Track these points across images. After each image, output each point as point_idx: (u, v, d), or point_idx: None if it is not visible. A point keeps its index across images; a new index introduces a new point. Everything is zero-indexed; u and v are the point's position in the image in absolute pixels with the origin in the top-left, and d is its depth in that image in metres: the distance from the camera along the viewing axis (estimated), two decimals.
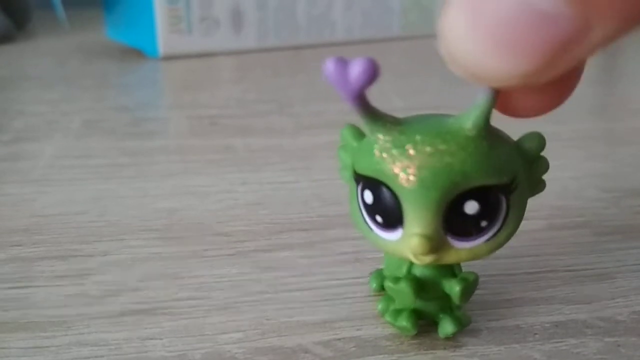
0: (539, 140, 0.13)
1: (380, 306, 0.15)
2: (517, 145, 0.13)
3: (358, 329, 0.15)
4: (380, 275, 0.16)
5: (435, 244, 0.12)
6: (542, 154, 0.13)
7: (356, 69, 0.11)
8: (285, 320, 0.15)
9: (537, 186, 0.13)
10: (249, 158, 0.25)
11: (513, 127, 0.13)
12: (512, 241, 0.18)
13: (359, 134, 0.14)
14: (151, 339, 0.14)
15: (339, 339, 0.14)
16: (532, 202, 0.20)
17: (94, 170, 0.24)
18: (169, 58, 0.41)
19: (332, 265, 0.17)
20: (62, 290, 0.16)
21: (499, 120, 0.13)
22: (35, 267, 0.17)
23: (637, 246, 0.18)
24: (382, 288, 0.16)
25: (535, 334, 0.14)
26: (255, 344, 0.14)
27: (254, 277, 0.17)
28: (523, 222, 0.19)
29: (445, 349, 0.14)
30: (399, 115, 0.13)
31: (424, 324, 0.14)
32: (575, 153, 0.25)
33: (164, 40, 0.41)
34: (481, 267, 0.17)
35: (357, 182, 0.13)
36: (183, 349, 0.14)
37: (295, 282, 0.16)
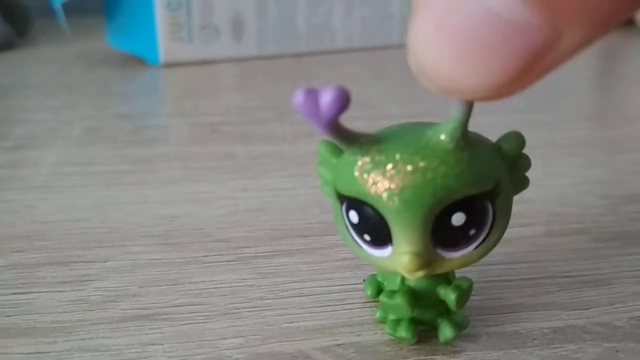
0: (518, 140, 0.13)
1: (378, 314, 0.15)
2: (497, 148, 0.13)
3: (358, 335, 0.15)
4: (374, 281, 0.16)
5: (426, 260, 0.12)
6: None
7: (327, 99, 0.11)
8: (286, 326, 0.15)
9: (521, 184, 0.13)
10: (249, 165, 0.25)
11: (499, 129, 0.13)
12: (511, 248, 0.19)
13: (337, 150, 0.13)
14: (152, 344, 0.14)
15: (339, 345, 0.14)
16: (531, 209, 0.20)
17: (95, 177, 0.24)
18: (170, 66, 0.42)
19: (332, 271, 0.17)
20: (64, 296, 0.16)
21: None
22: (37, 273, 0.17)
23: (635, 252, 0.18)
24: (377, 294, 0.16)
25: (534, 339, 0.15)
26: (256, 349, 0.14)
27: (254, 283, 0.17)
28: (521, 229, 0.20)
29: (444, 354, 0.14)
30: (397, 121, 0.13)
31: (423, 329, 0.14)
32: (573, 160, 0.25)
33: (165, 48, 0.41)
34: (479, 274, 0.17)
35: (341, 202, 0.13)
36: (184, 355, 0.14)
37: (295, 288, 0.16)
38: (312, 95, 0.11)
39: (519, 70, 0.09)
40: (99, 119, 0.31)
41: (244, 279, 0.17)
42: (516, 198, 0.21)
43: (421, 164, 0.12)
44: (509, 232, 0.19)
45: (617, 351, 0.14)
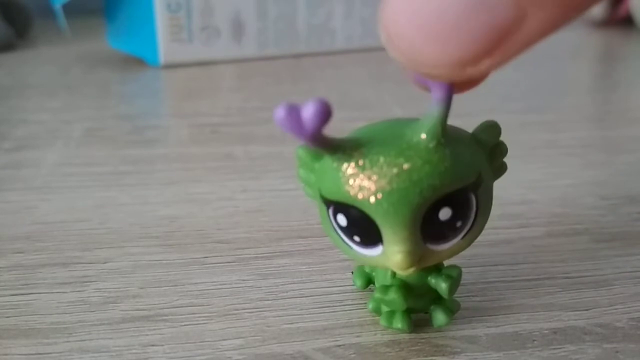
0: (494, 129, 0.13)
1: (371, 306, 0.15)
2: (475, 138, 0.13)
3: (357, 336, 0.15)
4: (363, 272, 0.16)
5: (417, 256, 0.13)
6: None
7: (309, 113, 0.11)
8: (286, 327, 0.15)
9: (499, 170, 0.14)
10: (249, 165, 0.25)
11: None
12: (511, 249, 0.19)
13: (316, 154, 0.13)
14: (152, 345, 0.14)
15: (339, 346, 0.14)
16: (531, 210, 0.20)
17: (95, 178, 0.24)
18: (170, 66, 0.42)
19: (332, 272, 0.17)
20: (64, 297, 0.16)
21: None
22: (37, 274, 0.17)
23: (635, 253, 0.18)
24: (367, 285, 0.16)
25: (534, 340, 0.15)
26: (256, 350, 0.14)
27: (254, 284, 0.17)
28: (522, 230, 0.20)
29: (444, 355, 0.14)
30: None
31: (422, 331, 0.14)
32: (574, 161, 0.25)
33: (165, 48, 0.41)
34: (480, 274, 0.17)
35: (327, 206, 0.13)
36: (184, 356, 0.14)
37: (295, 289, 0.17)
38: (294, 110, 0.11)
39: (484, 48, 0.09)
40: (99, 120, 0.31)
41: (244, 280, 0.17)
42: (517, 199, 0.21)
43: (405, 166, 0.12)
44: (510, 233, 0.19)
45: (617, 352, 0.14)
